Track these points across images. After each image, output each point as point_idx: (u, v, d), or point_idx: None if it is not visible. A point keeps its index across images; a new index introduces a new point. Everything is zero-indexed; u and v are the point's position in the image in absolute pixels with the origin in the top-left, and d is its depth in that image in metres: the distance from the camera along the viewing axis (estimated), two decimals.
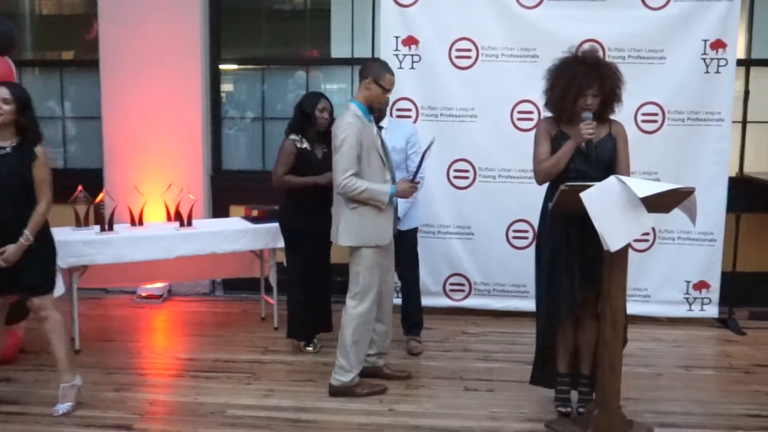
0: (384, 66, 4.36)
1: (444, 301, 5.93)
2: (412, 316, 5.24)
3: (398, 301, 5.50)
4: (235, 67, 6.79)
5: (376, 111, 4.51)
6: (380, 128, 4.73)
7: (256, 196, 6.12)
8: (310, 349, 5.16)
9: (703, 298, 5.85)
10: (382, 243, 4.31)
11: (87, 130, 6.81)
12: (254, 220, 5.69)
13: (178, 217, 5.51)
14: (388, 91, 4.35)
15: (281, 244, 5.32)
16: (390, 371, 4.73)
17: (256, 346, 5.31)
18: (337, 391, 4.45)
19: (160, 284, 6.32)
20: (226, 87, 6.81)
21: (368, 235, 4.29)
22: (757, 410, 4.31)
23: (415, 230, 5.17)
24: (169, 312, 6.15)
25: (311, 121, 4.90)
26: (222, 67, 6.64)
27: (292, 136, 4.95)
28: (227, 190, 6.59)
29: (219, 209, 6.57)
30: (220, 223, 5.81)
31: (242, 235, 5.49)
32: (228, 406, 4.32)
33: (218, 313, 6.13)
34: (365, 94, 4.32)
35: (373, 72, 4.30)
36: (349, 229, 4.31)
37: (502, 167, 5.77)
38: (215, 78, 6.59)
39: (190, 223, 5.48)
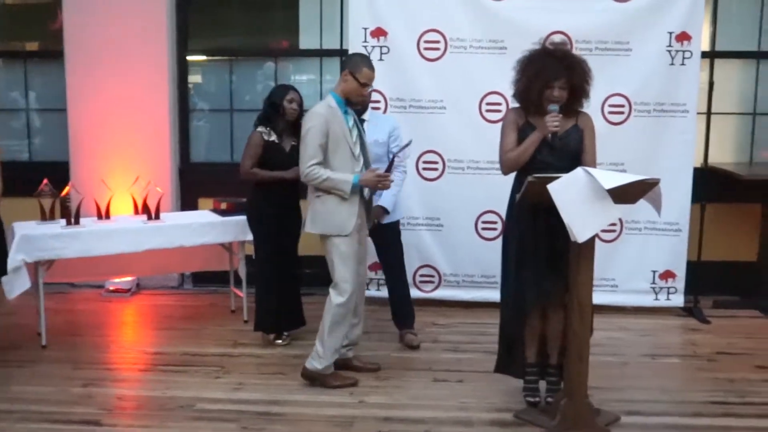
0: (364, 60, 4.41)
1: (413, 293, 5.88)
2: (402, 308, 5.21)
3: (375, 293, 5.55)
4: (203, 58, 6.73)
5: (357, 104, 4.54)
6: (362, 121, 4.79)
7: (225, 188, 6.05)
8: (279, 342, 5.15)
9: (669, 288, 5.93)
10: (343, 232, 4.32)
11: (52, 122, 6.72)
12: (223, 212, 5.66)
13: (146, 210, 5.46)
14: (365, 85, 4.36)
15: (250, 236, 5.30)
16: (360, 363, 4.74)
17: (225, 339, 5.29)
18: (307, 374, 4.48)
19: (128, 278, 6.27)
20: (194, 78, 6.76)
21: (329, 223, 4.33)
22: (720, 397, 4.39)
23: (397, 223, 5.16)
24: (137, 306, 6.11)
25: (280, 112, 4.89)
26: (190, 58, 6.58)
27: (260, 129, 4.94)
28: (196, 183, 6.55)
29: (187, 202, 6.53)
30: (189, 216, 5.78)
31: (211, 228, 5.46)
32: (197, 399, 4.30)
33: (187, 306, 6.10)
34: (342, 86, 4.38)
35: (351, 64, 4.36)
36: (314, 217, 4.38)
37: (470, 159, 5.80)
38: (183, 69, 6.54)
39: (158, 217, 5.44)
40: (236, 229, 5.48)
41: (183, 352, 5.04)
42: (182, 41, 6.49)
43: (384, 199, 4.90)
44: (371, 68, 4.37)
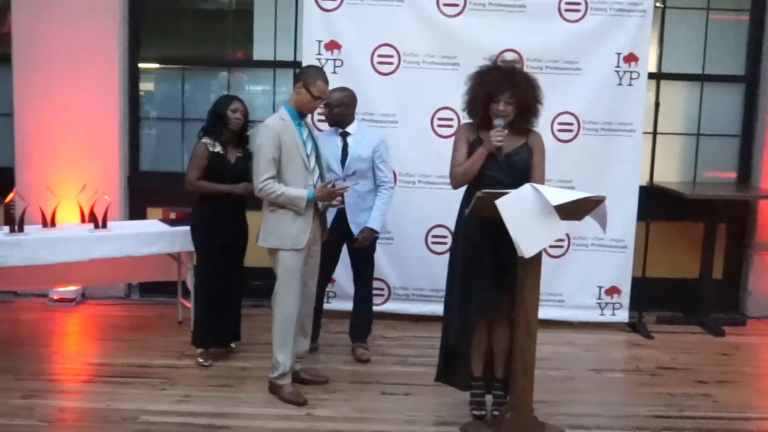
0: (319, 73, 4.43)
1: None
2: (363, 321, 5.20)
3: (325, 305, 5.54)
4: (155, 66, 6.67)
5: (329, 117, 4.83)
6: (347, 134, 4.89)
7: (175, 198, 5.98)
8: (201, 361, 4.97)
9: (614, 303, 6.04)
10: (297, 246, 4.33)
11: None
12: (172, 222, 5.61)
13: (93, 218, 5.38)
14: (318, 98, 4.37)
15: None
16: (308, 376, 4.73)
17: (172, 350, 5.23)
18: (269, 386, 4.54)
19: (73, 287, 6.16)
20: (146, 86, 6.69)
21: (283, 238, 4.34)
22: (662, 411, 4.48)
23: (376, 238, 5.10)
24: (82, 316, 6.01)
25: (224, 122, 4.85)
26: (141, 65, 6.51)
27: (205, 140, 4.89)
28: (145, 192, 6.46)
29: (136, 211, 6.44)
30: (137, 225, 5.71)
31: (159, 238, 5.40)
32: (141, 412, 4.25)
33: (134, 317, 6.01)
34: (295, 98, 4.39)
35: (305, 77, 4.38)
36: (267, 230, 4.38)
37: (422, 173, 5.85)
38: (134, 76, 6.46)
39: (105, 225, 5.36)
40: (185, 238, 5.39)
41: (128, 363, 4.97)
42: (134, 48, 6.42)
43: (373, 220, 4.94)
44: (326, 81, 4.38)
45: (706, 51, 6.42)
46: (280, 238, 4.34)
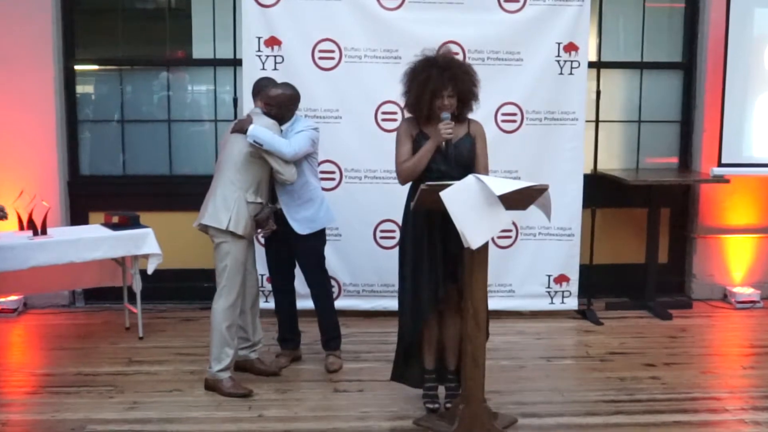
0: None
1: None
2: (323, 328, 5.06)
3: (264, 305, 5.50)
4: (92, 67, 6.54)
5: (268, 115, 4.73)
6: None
7: (117, 202, 5.94)
8: None
9: (563, 291, 6.11)
10: (250, 236, 4.66)
11: None
12: (115, 226, 5.51)
13: (32, 225, 5.26)
14: None
15: (144, 250, 5.25)
16: (263, 366, 4.82)
17: (119, 357, 5.15)
18: (206, 384, 4.57)
19: (13, 297, 6.01)
20: (84, 88, 6.55)
21: (247, 227, 4.60)
22: (611, 396, 4.56)
23: (314, 234, 4.91)
24: (24, 326, 5.87)
25: None
26: (77, 67, 6.39)
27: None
28: (86, 197, 6.34)
29: (77, 216, 6.32)
30: (78, 230, 5.60)
31: (102, 243, 5.31)
32: (88, 421, 4.17)
33: (79, 324, 5.89)
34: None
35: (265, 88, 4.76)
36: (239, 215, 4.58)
37: (367, 168, 5.84)
38: (70, 79, 6.33)
39: (45, 232, 5.25)
40: (129, 243, 5.35)
41: (74, 372, 4.88)
42: (69, 49, 6.28)
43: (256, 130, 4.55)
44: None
45: (644, 39, 6.53)
46: (247, 228, 4.52)
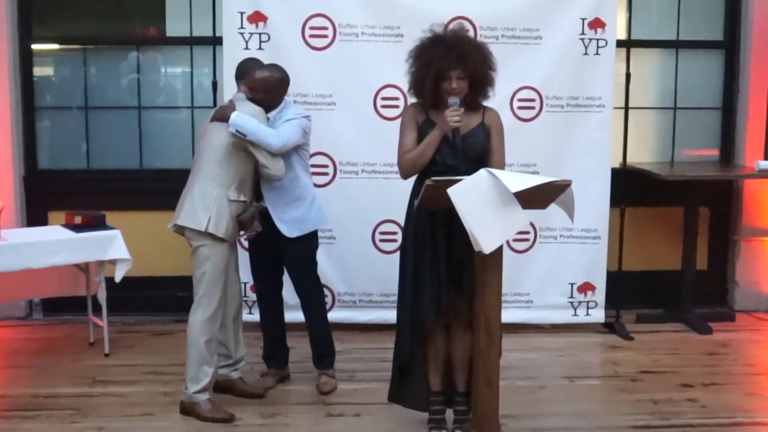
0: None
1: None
2: (314, 343, 5.06)
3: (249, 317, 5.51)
4: (52, 47, 6.55)
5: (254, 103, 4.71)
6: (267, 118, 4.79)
7: (80, 200, 5.94)
8: None
9: (588, 302, 6.11)
10: (232, 239, 4.65)
11: None
12: (77, 228, 5.52)
13: None
14: None
15: (110, 255, 5.25)
16: (247, 387, 4.81)
17: (83, 376, 5.16)
18: (182, 407, 4.56)
19: None
20: (42, 71, 6.56)
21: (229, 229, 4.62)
22: (643, 421, 4.56)
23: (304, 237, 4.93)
24: None
25: None
26: (35, 46, 6.40)
27: None
28: (45, 194, 6.35)
29: (35, 217, 6.33)
30: (36, 232, 5.61)
31: (63, 246, 5.32)
32: None
33: (37, 339, 5.91)
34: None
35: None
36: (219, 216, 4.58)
37: (365, 161, 5.84)
38: (27, 60, 6.34)
39: None
40: (94, 246, 5.36)
41: (32, 393, 4.89)
42: (25, 27, 6.29)
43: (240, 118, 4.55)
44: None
45: (680, 14, 6.53)
46: (228, 229, 4.51)
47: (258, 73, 4.74)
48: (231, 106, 4.57)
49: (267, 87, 4.72)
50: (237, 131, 4.46)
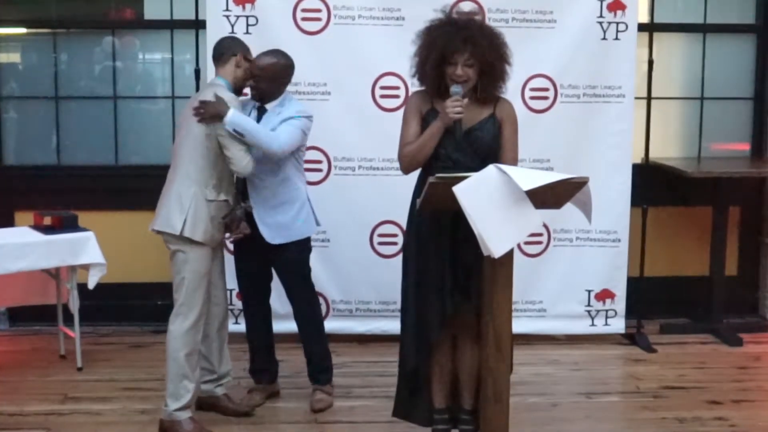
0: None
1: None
2: (311, 357, 5.06)
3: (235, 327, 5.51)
4: (18, 30, 6.56)
5: (255, 93, 4.75)
6: (264, 111, 4.77)
7: (50, 198, 5.95)
8: None
9: (607, 311, 6.11)
10: (212, 243, 4.61)
11: None
12: (47, 229, 5.52)
13: None
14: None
15: (82, 260, 5.26)
16: (232, 405, 4.80)
17: (52, 392, 5.17)
18: (161, 427, 4.54)
19: None
20: (7, 57, 6.60)
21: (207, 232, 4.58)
22: None
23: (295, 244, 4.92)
24: None
25: None
26: (0, 31, 6.41)
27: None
28: (10, 192, 6.36)
29: (0, 216, 6.33)
30: (1, 234, 5.56)
31: (31, 250, 5.32)
32: None
33: (2, 352, 5.91)
34: (236, 73, 4.62)
35: (241, 47, 4.65)
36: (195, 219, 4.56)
37: (362, 156, 5.85)
38: None
39: None
40: (64, 250, 5.36)
41: None
42: None
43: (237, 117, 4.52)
44: None
45: None
46: (208, 232, 4.49)
47: (263, 60, 4.70)
48: (223, 105, 4.42)
49: (274, 75, 4.71)
50: (234, 130, 4.41)
